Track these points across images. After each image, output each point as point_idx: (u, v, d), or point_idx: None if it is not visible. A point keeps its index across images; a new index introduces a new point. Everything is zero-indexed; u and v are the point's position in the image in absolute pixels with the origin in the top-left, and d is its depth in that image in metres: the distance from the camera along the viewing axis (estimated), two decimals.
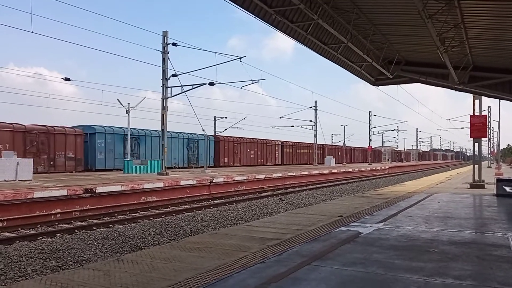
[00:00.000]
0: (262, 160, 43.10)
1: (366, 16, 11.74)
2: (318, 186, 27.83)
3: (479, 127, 17.54)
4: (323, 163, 50.80)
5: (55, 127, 24.38)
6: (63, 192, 14.00)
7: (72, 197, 14.23)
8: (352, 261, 5.25)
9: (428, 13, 9.47)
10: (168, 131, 25.52)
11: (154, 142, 30.21)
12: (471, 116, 18.14)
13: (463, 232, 7.39)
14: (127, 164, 24.88)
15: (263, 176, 26.35)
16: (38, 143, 23.03)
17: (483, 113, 19.23)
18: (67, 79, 24.44)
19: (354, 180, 34.63)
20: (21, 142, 22.21)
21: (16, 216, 12.53)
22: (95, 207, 14.95)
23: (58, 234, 11.21)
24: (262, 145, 43.44)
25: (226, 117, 49.03)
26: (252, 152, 41.89)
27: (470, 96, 18.79)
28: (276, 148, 46.32)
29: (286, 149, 48.32)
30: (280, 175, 28.38)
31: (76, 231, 11.74)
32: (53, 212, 13.60)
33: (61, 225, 12.74)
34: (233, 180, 23.25)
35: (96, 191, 15.03)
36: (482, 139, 19.77)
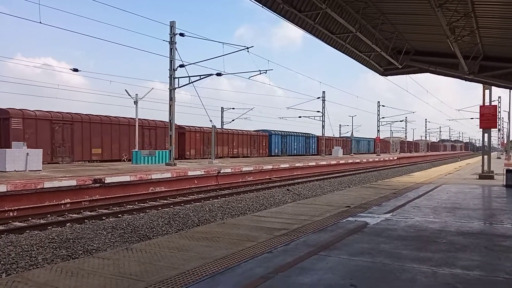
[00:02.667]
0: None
1: (375, 5, 11.61)
2: (325, 177, 27.81)
3: (488, 117, 17.35)
4: (331, 154, 50.70)
5: None
6: (73, 182, 14.14)
7: (81, 187, 14.37)
8: (359, 251, 5.25)
9: (438, 1, 9.34)
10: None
11: None
12: (480, 107, 17.94)
13: (471, 222, 7.36)
14: (136, 155, 25.04)
15: (270, 166, 26.38)
16: None
17: (493, 103, 19.02)
18: (76, 70, 24.59)
19: (362, 171, 34.54)
20: None
21: (27, 206, 12.69)
22: (104, 197, 15.10)
23: (68, 224, 11.36)
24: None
25: (233, 108, 49.23)
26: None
27: (480, 86, 18.58)
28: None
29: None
30: (287, 166, 28.39)
31: (85, 220, 11.87)
32: (62, 202, 13.76)
33: (70, 214, 12.90)
34: (241, 171, 23.30)
35: (105, 182, 15.17)
36: (492, 129, 19.58)
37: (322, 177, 27.52)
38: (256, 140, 41.49)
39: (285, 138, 45.95)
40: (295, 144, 47.48)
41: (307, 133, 50.57)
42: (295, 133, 47.92)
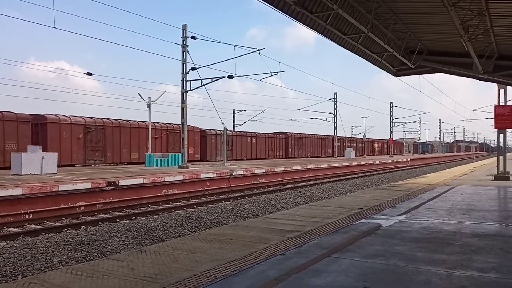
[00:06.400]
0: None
1: (387, 5, 11.54)
2: (338, 178, 27.67)
3: (504, 117, 17.09)
4: (343, 155, 50.44)
5: None
6: (87, 185, 14.31)
7: (95, 190, 14.53)
8: (373, 253, 5.21)
9: (451, 0, 9.24)
10: None
11: None
12: (495, 106, 17.68)
13: (487, 224, 7.25)
14: (149, 158, 25.23)
15: (282, 168, 26.35)
16: None
17: (508, 103, 18.70)
18: (90, 74, 24.86)
19: (375, 173, 34.28)
20: None
21: (42, 209, 12.87)
22: (118, 199, 15.24)
23: (82, 226, 11.48)
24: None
25: (245, 110, 49.26)
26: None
27: (495, 86, 18.31)
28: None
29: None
30: (299, 167, 28.32)
31: (100, 223, 11.99)
32: (77, 204, 13.93)
33: (85, 217, 13.04)
34: (253, 173, 23.32)
35: (119, 184, 15.31)
36: (507, 129, 19.26)
37: (334, 179, 27.39)
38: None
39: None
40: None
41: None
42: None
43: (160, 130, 29.96)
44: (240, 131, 40.49)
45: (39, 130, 22.65)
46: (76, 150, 23.91)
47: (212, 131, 34.62)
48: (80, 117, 24.75)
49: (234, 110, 50.60)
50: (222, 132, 33.90)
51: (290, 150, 44.03)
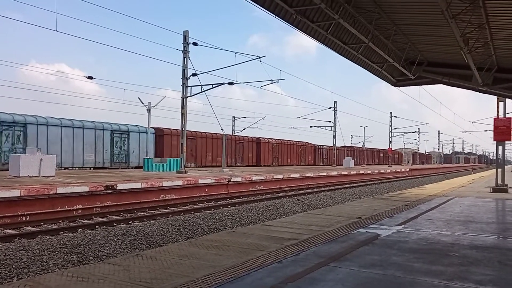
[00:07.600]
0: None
1: (388, 15, 11.62)
2: (336, 187, 27.64)
3: (503, 130, 17.13)
4: (342, 164, 50.46)
5: None
6: (85, 188, 14.28)
7: (93, 193, 14.50)
8: (370, 263, 5.20)
9: (451, 13, 9.31)
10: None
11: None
12: (495, 119, 17.72)
13: (484, 236, 7.24)
14: (147, 162, 25.21)
15: (281, 176, 26.33)
16: None
17: (507, 115, 18.76)
18: (90, 78, 24.92)
19: (373, 182, 34.25)
20: None
21: (39, 211, 12.84)
22: (115, 203, 15.21)
23: (79, 229, 11.44)
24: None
25: (244, 117, 49.44)
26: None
27: (494, 98, 18.38)
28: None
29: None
30: (298, 175, 28.29)
31: (96, 226, 11.95)
32: (74, 207, 13.89)
33: (82, 220, 13.00)
34: (251, 180, 23.29)
35: (117, 188, 15.28)
36: (506, 142, 19.29)
37: (333, 187, 27.37)
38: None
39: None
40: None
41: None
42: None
43: (298, 146, 46.81)
44: (338, 146, 53.43)
45: (255, 146, 39.30)
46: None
47: (319, 146, 50.83)
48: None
49: (233, 117, 50.79)
50: (324, 145, 52.02)
51: (358, 160, 57.53)
